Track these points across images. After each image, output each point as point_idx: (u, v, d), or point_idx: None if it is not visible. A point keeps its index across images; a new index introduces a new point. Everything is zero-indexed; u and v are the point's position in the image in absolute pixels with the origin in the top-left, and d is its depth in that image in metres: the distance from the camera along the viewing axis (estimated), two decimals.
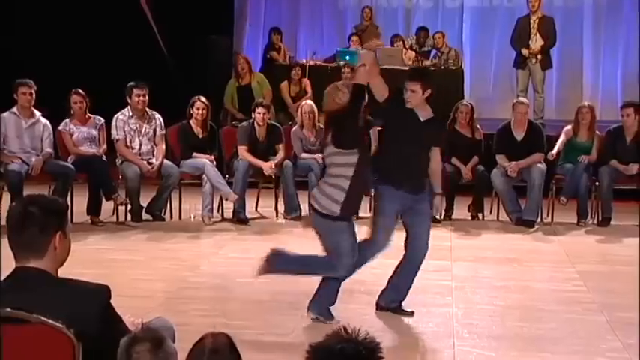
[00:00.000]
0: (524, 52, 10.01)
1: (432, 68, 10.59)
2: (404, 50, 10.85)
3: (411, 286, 4.83)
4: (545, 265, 6.29)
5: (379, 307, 4.90)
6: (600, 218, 7.89)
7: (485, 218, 8.07)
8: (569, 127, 8.17)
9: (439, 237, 7.15)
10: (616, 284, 5.62)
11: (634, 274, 5.91)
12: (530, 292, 5.43)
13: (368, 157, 4.54)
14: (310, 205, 4.53)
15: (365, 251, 4.61)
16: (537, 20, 10.00)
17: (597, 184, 7.89)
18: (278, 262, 4.58)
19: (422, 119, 4.73)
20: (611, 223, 7.77)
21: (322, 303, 4.63)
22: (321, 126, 8.33)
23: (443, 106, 9.02)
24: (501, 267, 6.20)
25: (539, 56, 10.01)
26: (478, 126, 8.34)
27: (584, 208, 7.92)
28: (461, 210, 8.12)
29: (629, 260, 6.39)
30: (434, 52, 11.18)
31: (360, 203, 4.61)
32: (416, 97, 4.66)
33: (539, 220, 7.86)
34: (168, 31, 10.80)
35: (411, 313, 4.82)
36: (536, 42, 9.97)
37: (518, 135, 8.04)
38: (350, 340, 1.98)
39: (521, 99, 8.51)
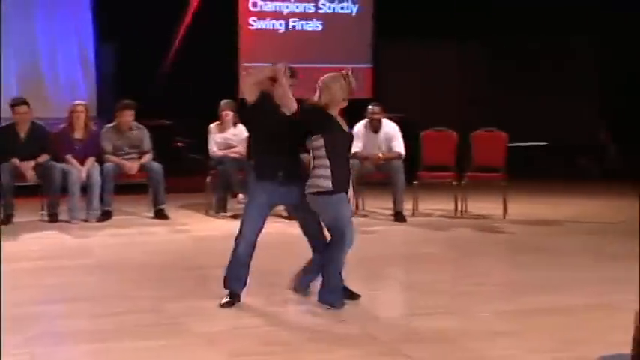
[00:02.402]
0: None
1: None
2: None
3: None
4: None
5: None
6: (3, 216, 7.84)
7: None
8: None
9: None
10: (18, 280, 5.58)
11: (36, 268, 6.06)
12: None
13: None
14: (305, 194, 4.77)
15: None
16: None
17: None
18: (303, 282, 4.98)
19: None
20: (15, 220, 7.83)
21: (333, 289, 4.84)
22: None
23: None
24: None
25: None
26: None
27: None
28: None
29: (30, 255, 6.51)
30: None
31: (346, 182, 4.83)
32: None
33: None
34: None
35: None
36: None
37: None
38: None
39: None
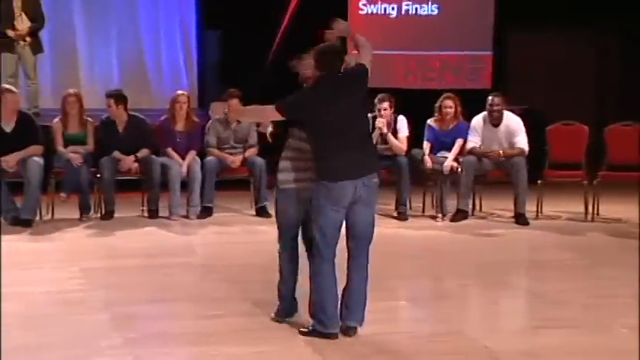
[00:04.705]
0: (10, 33, 9.77)
1: None
2: None
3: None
4: (46, 267, 6.28)
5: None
6: (104, 211, 8.18)
7: None
8: (57, 119, 8.29)
9: None
10: (119, 279, 5.86)
11: (136, 266, 6.30)
12: (30, 297, 5.37)
13: None
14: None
15: None
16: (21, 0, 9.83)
17: (99, 175, 8.15)
18: None
19: None
20: (115, 215, 8.14)
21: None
22: None
23: None
24: None
25: (28, 39, 9.87)
26: None
27: (87, 202, 8.13)
28: None
29: (131, 253, 6.78)
30: None
31: None
32: None
33: (38, 218, 7.87)
34: None
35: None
36: (23, 23, 9.82)
37: (8, 126, 7.88)
38: None
39: (8, 86, 8.31)
